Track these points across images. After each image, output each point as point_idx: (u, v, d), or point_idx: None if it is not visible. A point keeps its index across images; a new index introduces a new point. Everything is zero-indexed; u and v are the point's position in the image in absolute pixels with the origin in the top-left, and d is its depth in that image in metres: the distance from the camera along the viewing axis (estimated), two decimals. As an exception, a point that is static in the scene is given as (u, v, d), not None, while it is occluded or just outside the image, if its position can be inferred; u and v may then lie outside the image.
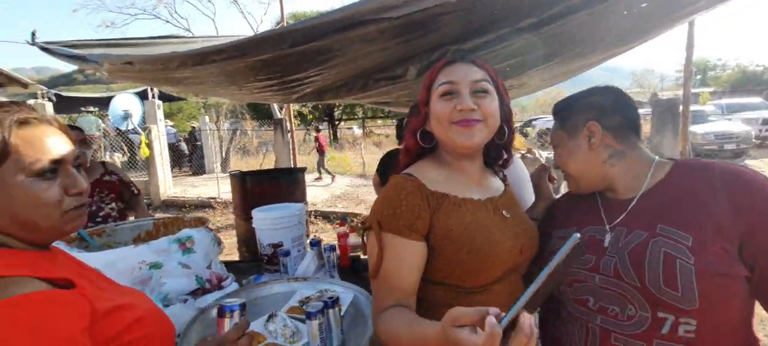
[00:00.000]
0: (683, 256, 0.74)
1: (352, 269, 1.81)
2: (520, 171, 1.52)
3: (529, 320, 0.56)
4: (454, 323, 0.58)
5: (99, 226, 1.89)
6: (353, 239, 1.78)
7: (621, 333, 0.80)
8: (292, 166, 5.98)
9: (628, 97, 0.94)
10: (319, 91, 2.29)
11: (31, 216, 0.62)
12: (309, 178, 6.47)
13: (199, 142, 12.22)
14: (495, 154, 1.02)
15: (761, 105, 13.11)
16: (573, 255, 0.57)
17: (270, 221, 1.76)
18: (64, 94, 10.80)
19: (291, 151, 6.19)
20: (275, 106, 10.67)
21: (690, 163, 0.88)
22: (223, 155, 11.75)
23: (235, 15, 16.23)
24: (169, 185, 8.42)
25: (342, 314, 1.28)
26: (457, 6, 1.20)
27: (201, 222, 2.11)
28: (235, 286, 1.68)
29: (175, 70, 1.96)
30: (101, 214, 2.26)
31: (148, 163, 7.85)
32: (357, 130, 23.39)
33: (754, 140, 10.05)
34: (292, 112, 6.30)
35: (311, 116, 16.88)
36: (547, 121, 14.46)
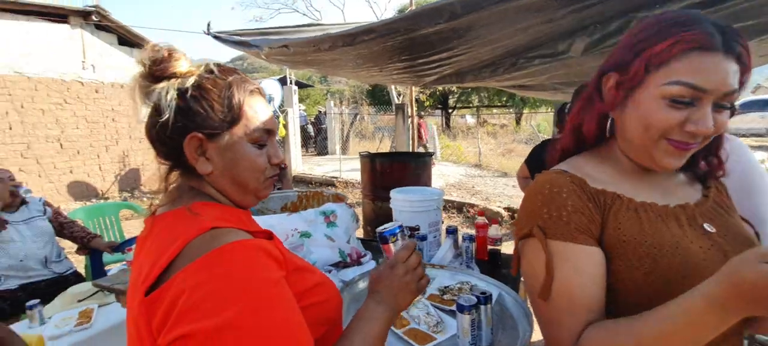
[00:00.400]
0: None
1: (491, 264, 1.68)
2: (746, 160, 1.06)
3: None
4: (764, 259, 0.44)
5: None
6: (494, 230, 1.64)
7: None
8: (411, 150, 6.03)
9: None
10: (459, 73, 2.17)
11: (245, 178, 0.66)
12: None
13: (323, 126, 13.30)
14: (700, 158, 0.75)
15: None
16: None
17: (408, 203, 1.74)
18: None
19: (411, 137, 6.24)
20: (394, 92, 10.94)
21: None
22: (344, 138, 12.58)
23: (361, 4, 17.08)
24: (299, 162, 9.38)
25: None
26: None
27: (340, 199, 2.22)
28: (373, 263, 1.71)
29: (324, 52, 2.05)
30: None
31: (284, 142, 8.83)
32: (470, 119, 22.65)
33: None
34: (413, 99, 6.32)
35: (428, 102, 16.89)
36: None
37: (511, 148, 11.48)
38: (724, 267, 0.47)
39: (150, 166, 7.19)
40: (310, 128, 14.04)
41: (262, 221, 1.63)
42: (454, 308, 1.30)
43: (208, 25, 3.06)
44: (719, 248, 0.65)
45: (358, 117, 14.29)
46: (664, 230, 0.65)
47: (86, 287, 2.11)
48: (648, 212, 0.66)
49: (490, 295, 1.12)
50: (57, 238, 2.43)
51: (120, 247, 2.61)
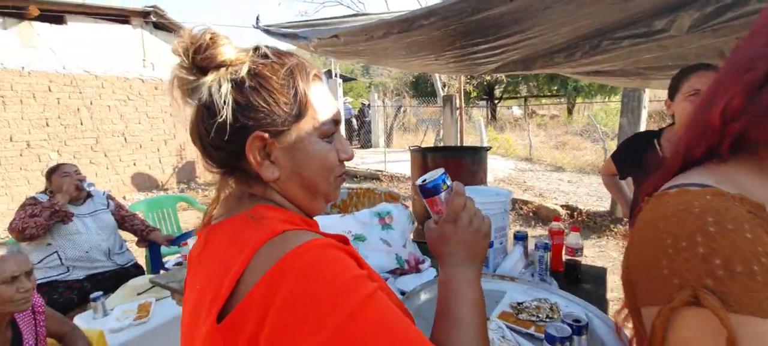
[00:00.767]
0: None
1: (568, 278, 1.47)
2: None
3: None
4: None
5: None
6: (573, 238, 1.43)
7: None
8: (459, 144, 5.79)
9: None
10: (526, 60, 1.95)
11: (316, 179, 0.56)
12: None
13: (367, 119, 13.27)
14: None
15: None
16: None
17: (471, 206, 1.57)
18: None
19: (459, 129, 5.99)
20: (439, 83, 10.65)
21: None
22: (388, 131, 12.48)
23: (403, -5, 16.82)
24: (343, 155, 9.40)
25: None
26: None
27: (394, 197, 2.09)
28: (432, 271, 1.57)
29: (377, 40, 1.92)
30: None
31: (329, 136, 8.87)
32: (516, 110, 21.73)
33: None
34: (462, 90, 6.05)
35: (474, 93, 16.35)
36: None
37: (564, 141, 10.79)
38: None
39: (204, 159, 7.52)
40: (355, 121, 14.08)
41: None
42: (532, 330, 1.13)
43: (257, 18, 3.04)
44: None
45: (401, 109, 14.12)
46: None
47: (145, 280, 2.16)
48: None
49: (586, 324, 0.93)
50: (119, 230, 2.52)
51: (176, 240, 2.67)
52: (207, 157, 0.55)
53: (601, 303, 1.32)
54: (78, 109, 6.24)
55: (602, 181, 1.80)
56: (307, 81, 0.54)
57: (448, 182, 0.64)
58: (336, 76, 9.06)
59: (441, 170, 0.64)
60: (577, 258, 1.44)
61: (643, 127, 4.52)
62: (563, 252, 1.49)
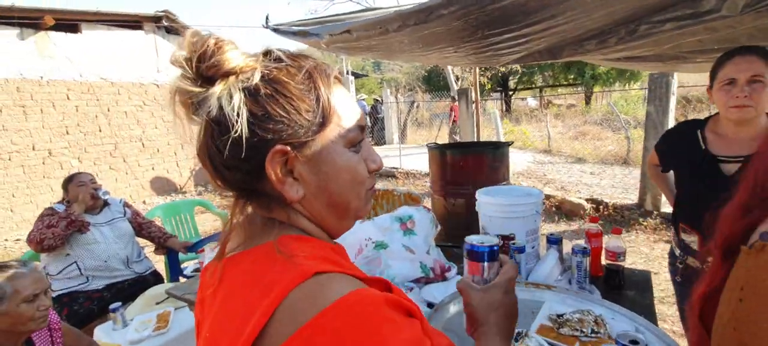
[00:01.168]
0: None
1: (609, 284, 1.35)
2: None
3: None
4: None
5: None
6: (615, 242, 1.31)
7: None
8: (476, 139, 5.64)
9: None
10: (553, 48, 1.82)
11: (346, 195, 0.49)
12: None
13: (380, 115, 13.17)
14: None
15: None
16: None
17: (499, 208, 1.46)
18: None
19: (475, 124, 5.83)
20: (452, 77, 10.46)
21: None
22: (401, 127, 12.37)
23: (413, -11, 16.57)
24: (357, 153, 9.33)
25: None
26: None
27: (415, 199, 2.00)
28: (459, 278, 1.47)
29: (391, 34, 1.82)
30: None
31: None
32: (531, 102, 21.27)
33: None
34: (477, 82, 5.89)
35: (489, 86, 16.05)
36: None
37: (583, 131, 10.47)
38: None
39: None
40: (367, 118, 14.01)
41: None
42: (577, 346, 1.02)
43: (267, 17, 2.97)
44: None
45: (414, 105, 13.98)
46: None
47: (164, 289, 2.13)
48: None
49: (643, 344, 0.83)
50: (136, 238, 2.50)
51: (193, 247, 2.64)
52: (219, 179, 0.47)
53: (649, 313, 1.21)
54: (96, 116, 6.33)
55: (649, 173, 1.67)
56: (328, 84, 0.47)
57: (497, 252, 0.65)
58: (348, 73, 8.98)
59: (495, 240, 0.66)
60: (619, 263, 1.32)
61: (671, 116, 4.31)
62: (603, 256, 1.37)
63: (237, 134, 0.42)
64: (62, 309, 2.11)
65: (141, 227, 2.55)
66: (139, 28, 6.86)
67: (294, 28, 2.73)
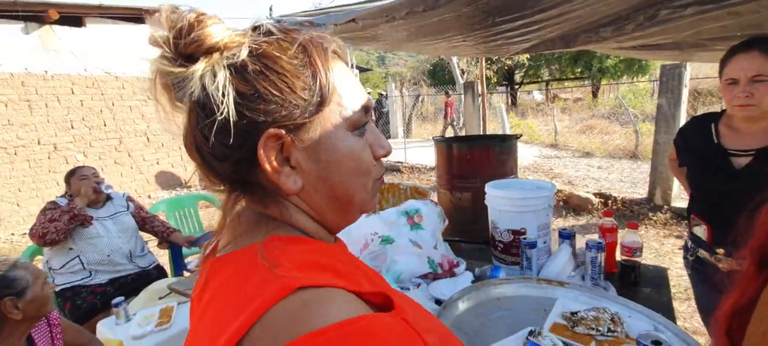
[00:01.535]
0: None
1: (624, 280, 1.30)
2: None
3: None
4: None
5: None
6: (631, 237, 1.26)
7: None
8: (482, 132, 5.57)
9: None
10: (567, 36, 1.76)
11: (350, 186, 0.44)
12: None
13: (385, 109, 13.10)
14: None
15: None
16: None
17: (509, 202, 1.41)
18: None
19: (481, 117, 5.76)
20: (457, 70, 10.36)
21: None
22: (406, 121, 12.30)
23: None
24: (362, 147, 9.30)
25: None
26: None
27: (422, 193, 1.95)
28: (468, 275, 1.42)
29: (399, 22, 1.76)
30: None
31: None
32: (537, 95, 21.07)
33: None
34: (484, 75, 5.81)
35: (494, 79, 15.89)
36: None
37: (590, 125, 10.34)
38: None
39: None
40: (372, 113, 13.95)
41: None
42: (593, 346, 0.98)
43: (270, 9, 2.93)
44: None
45: (420, 98, 13.89)
46: None
47: (166, 283, 2.11)
48: None
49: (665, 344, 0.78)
50: (139, 232, 2.48)
51: (196, 242, 2.62)
52: (208, 171, 0.42)
53: (667, 311, 1.15)
54: (101, 111, 6.33)
55: (669, 167, 1.62)
56: (325, 58, 0.42)
57: None
58: (352, 67, 8.92)
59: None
60: (635, 259, 1.27)
61: (684, 108, 4.21)
62: (618, 252, 1.32)
63: (223, 117, 0.37)
64: (65, 304, 2.09)
65: (144, 221, 2.53)
66: (143, 21, 6.83)
67: (297, 18, 2.68)
